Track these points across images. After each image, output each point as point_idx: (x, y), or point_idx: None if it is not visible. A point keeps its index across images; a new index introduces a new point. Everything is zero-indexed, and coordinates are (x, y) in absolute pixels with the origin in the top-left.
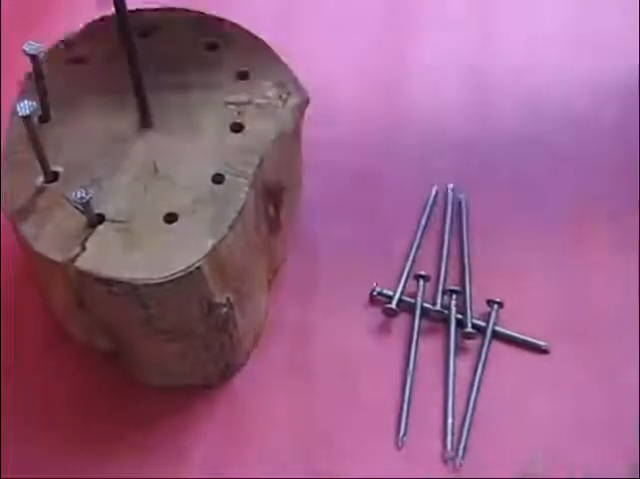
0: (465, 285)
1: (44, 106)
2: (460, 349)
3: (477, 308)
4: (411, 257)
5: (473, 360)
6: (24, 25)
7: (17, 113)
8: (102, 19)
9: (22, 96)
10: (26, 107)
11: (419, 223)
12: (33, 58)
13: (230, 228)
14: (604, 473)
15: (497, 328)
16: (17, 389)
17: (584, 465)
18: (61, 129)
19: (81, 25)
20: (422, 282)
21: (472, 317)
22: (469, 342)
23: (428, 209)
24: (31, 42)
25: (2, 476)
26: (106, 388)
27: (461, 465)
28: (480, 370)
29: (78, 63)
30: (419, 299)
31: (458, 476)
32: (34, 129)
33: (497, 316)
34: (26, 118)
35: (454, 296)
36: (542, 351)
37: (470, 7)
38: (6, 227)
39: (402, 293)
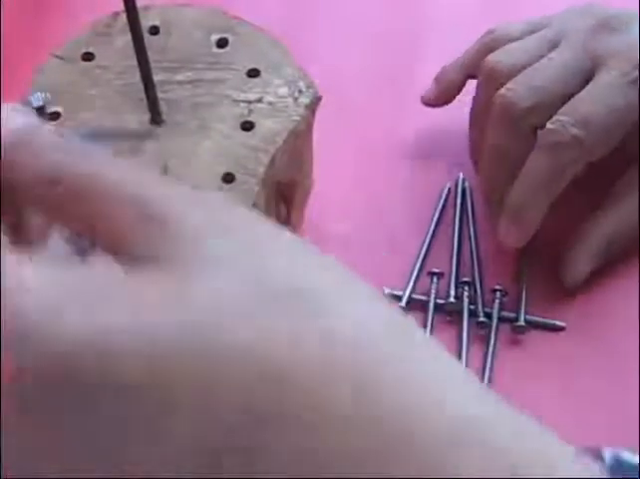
0: (475, 276)
1: None
2: (473, 340)
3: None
4: (422, 255)
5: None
6: (25, 24)
7: (30, 104)
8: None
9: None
10: (39, 98)
11: (430, 220)
12: (39, 110)
13: None
14: None
15: (505, 314)
16: None
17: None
18: (70, 127)
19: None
20: (435, 280)
21: (484, 307)
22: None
23: (440, 205)
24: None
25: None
26: None
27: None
28: (489, 359)
29: (88, 60)
30: (432, 297)
31: None
32: (47, 122)
33: (502, 304)
34: (39, 109)
35: (465, 288)
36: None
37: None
38: None
39: (412, 292)
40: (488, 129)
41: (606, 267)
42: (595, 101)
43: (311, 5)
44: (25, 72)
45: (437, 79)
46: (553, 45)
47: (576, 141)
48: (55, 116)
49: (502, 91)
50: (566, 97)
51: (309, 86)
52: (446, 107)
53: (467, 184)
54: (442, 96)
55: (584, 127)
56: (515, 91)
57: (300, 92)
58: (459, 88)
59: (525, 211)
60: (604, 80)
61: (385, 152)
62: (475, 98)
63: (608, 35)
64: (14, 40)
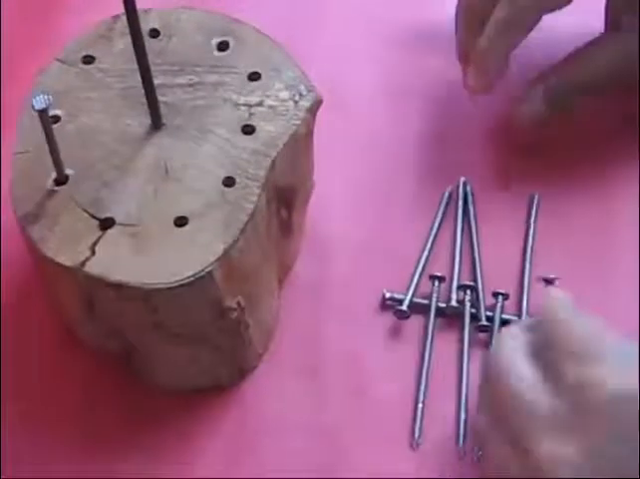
0: (476, 279)
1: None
2: (474, 344)
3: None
4: (423, 258)
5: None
6: (26, 25)
7: (32, 107)
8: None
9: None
10: (42, 101)
11: (432, 223)
12: (42, 113)
13: (242, 231)
14: None
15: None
16: (26, 391)
17: None
18: (70, 130)
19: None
20: (436, 283)
21: (485, 311)
22: (483, 337)
23: (442, 209)
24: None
25: (2, 476)
26: (117, 391)
27: (478, 459)
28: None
29: (88, 63)
30: (434, 300)
31: (473, 471)
32: (49, 124)
33: (504, 308)
34: (41, 112)
35: (467, 292)
36: None
37: None
38: (14, 230)
39: (413, 295)
40: None
41: None
42: None
43: (312, 8)
44: (25, 73)
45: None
46: None
47: None
48: (55, 119)
49: None
50: None
51: (310, 89)
52: (447, 107)
53: (468, 187)
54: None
55: None
56: None
57: (301, 95)
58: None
59: (488, 56)
60: None
61: (386, 155)
62: None
63: None
64: (14, 41)
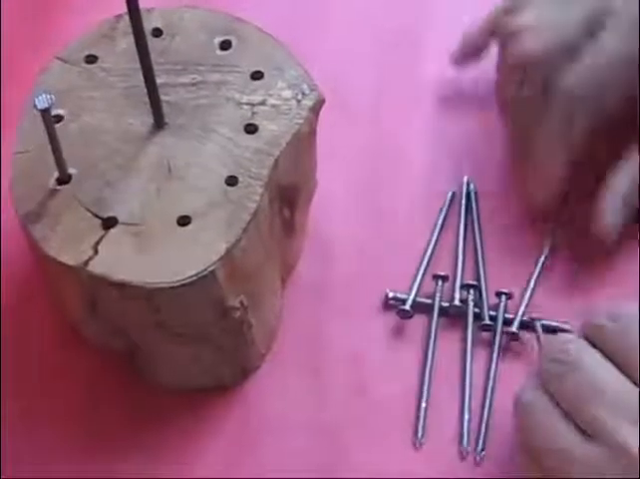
0: (479, 279)
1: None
2: (477, 343)
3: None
4: (426, 257)
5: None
6: (27, 24)
7: (35, 106)
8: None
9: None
10: (44, 100)
11: (435, 223)
12: (44, 112)
13: (244, 230)
14: None
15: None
16: (28, 390)
17: None
18: (73, 130)
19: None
20: (440, 283)
21: (488, 310)
22: (486, 337)
23: (445, 208)
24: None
25: (2, 476)
26: (120, 390)
27: (481, 459)
28: (494, 363)
29: (91, 63)
30: (437, 300)
31: (475, 472)
32: (52, 123)
33: (506, 307)
34: (44, 111)
35: (470, 291)
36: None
37: None
38: (15, 229)
39: (416, 295)
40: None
41: None
42: (592, 59)
43: (314, 8)
44: (26, 73)
45: (462, 40)
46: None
47: (577, 98)
48: (57, 118)
49: (514, 42)
50: (577, 46)
51: (312, 88)
52: (449, 108)
53: (471, 186)
54: (467, 55)
55: (583, 85)
56: (526, 41)
57: (303, 94)
58: (482, 48)
59: (546, 165)
60: (602, 36)
61: (389, 154)
62: (498, 55)
63: None
64: (15, 40)
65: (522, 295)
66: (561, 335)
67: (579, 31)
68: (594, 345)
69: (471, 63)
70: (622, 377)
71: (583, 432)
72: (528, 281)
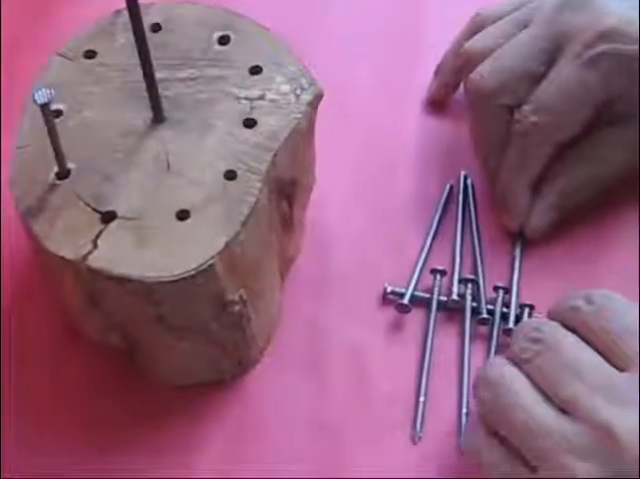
0: (477, 273)
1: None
2: (475, 337)
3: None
4: (424, 252)
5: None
6: (27, 19)
7: (34, 101)
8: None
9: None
10: (44, 95)
11: (433, 217)
12: (44, 107)
13: (243, 224)
14: None
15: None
16: (28, 387)
17: None
18: (72, 125)
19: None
20: (438, 277)
21: (486, 304)
22: (484, 331)
23: (442, 203)
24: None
25: (2, 476)
26: (119, 385)
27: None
28: (492, 356)
29: (90, 58)
30: (435, 294)
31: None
32: (51, 118)
33: (504, 302)
34: (44, 106)
35: (468, 285)
36: None
37: None
38: (14, 224)
39: (414, 289)
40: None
41: None
42: (550, 87)
43: (313, 3)
44: (26, 68)
45: (435, 72)
46: (525, 25)
47: (536, 128)
48: (57, 113)
49: (471, 75)
50: (535, 76)
51: (311, 83)
52: (446, 107)
53: (468, 181)
54: (442, 88)
55: (543, 114)
56: (481, 73)
57: (302, 89)
58: (456, 74)
59: (509, 196)
60: (560, 63)
61: (387, 149)
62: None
63: (570, 14)
64: (15, 36)
65: (510, 290)
66: (535, 317)
67: (540, 58)
68: (568, 327)
69: (448, 94)
70: (599, 357)
71: (559, 409)
72: (511, 277)
